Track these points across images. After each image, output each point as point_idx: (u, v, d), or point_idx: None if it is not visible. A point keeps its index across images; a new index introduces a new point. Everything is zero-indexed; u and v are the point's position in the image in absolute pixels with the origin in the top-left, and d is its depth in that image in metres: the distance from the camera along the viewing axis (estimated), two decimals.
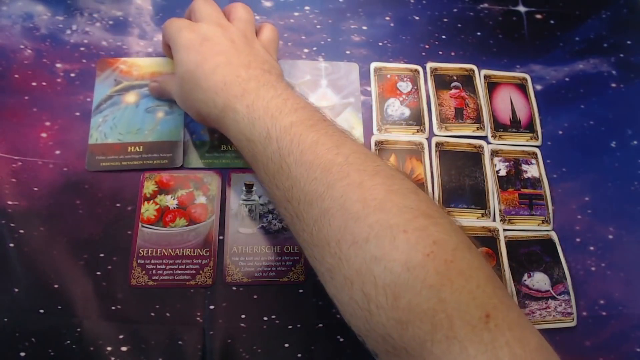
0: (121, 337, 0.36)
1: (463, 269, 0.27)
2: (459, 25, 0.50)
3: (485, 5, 0.51)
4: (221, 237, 0.40)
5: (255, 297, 0.39)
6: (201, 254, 0.39)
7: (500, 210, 0.44)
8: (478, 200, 0.44)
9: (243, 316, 0.38)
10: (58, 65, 0.44)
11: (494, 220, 0.43)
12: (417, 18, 0.50)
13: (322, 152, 0.30)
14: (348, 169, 0.30)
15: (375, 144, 0.45)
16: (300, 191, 0.31)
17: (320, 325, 0.38)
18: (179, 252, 0.39)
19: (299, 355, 0.37)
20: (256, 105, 0.33)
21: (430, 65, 0.48)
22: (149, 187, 0.41)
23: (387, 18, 0.50)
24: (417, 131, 0.46)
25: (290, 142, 0.31)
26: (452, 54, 0.49)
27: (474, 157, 0.45)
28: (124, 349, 0.36)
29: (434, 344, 0.25)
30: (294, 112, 0.33)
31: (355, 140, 0.33)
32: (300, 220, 0.31)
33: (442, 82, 0.48)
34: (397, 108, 0.46)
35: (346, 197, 0.29)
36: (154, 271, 0.38)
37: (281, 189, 0.32)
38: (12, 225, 0.38)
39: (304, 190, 0.30)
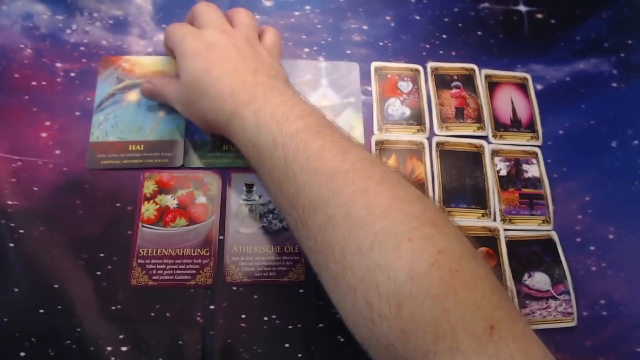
0: (121, 337, 0.36)
1: (468, 279, 0.26)
2: (460, 24, 0.50)
3: (486, 4, 0.51)
4: (221, 237, 0.40)
5: (255, 297, 0.39)
6: (201, 254, 0.39)
7: (500, 210, 0.44)
8: (478, 200, 0.44)
9: (243, 316, 0.38)
10: (58, 64, 0.44)
11: (495, 220, 0.43)
12: (417, 17, 0.50)
13: (328, 159, 0.30)
14: (354, 176, 0.30)
15: (376, 144, 0.44)
16: (306, 198, 0.30)
17: (321, 325, 0.38)
18: (179, 252, 0.39)
19: (299, 355, 0.37)
20: (263, 111, 0.33)
21: (430, 64, 0.48)
22: (149, 187, 0.41)
23: (388, 17, 0.49)
24: (418, 131, 0.45)
25: (296, 149, 0.31)
26: (453, 53, 0.49)
27: (475, 157, 0.45)
28: (124, 349, 0.36)
29: (437, 355, 0.25)
30: (300, 119, 0.33)
31: (362, 147, 0.33)
32: (304, 227, 0.31)
33: (442, 81, 0.48)
34: (397, 108, 0.46)
35: (351, 204, 0.29)
36: (154, 271, 0.38)
37: (286, 195, 0.32)
38: (12, 225, 0.38)
39: (309, 197, 0.30)
